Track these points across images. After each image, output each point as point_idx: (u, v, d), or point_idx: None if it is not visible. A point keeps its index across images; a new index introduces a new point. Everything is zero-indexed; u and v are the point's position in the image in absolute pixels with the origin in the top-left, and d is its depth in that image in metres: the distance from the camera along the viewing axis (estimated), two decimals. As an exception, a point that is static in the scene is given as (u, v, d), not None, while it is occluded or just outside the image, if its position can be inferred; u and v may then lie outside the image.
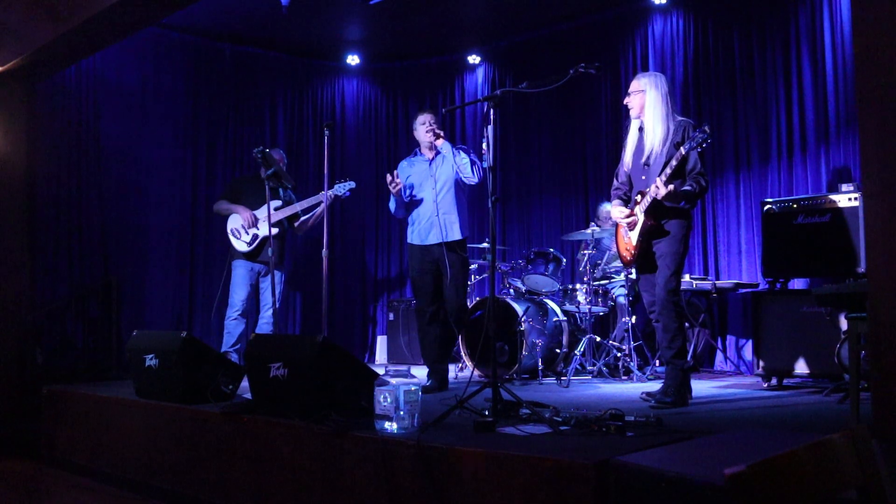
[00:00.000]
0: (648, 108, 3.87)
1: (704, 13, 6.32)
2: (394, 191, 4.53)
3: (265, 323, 5.38)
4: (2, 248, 5.45)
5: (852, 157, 5.39)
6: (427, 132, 4.58)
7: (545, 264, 5.56)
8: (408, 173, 4.67)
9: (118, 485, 3.90)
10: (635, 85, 3.96)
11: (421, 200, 4.61)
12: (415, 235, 4.62)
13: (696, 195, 3.79)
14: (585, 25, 6.99)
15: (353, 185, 5.32)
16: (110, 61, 6.60)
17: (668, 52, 6.49)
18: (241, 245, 5.41)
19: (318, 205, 5.40)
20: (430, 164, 4.62)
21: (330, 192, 5.27)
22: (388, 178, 4.53)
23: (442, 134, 4.62)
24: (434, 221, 4.50)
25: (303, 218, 5.52)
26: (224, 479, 3.32)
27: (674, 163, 3.70)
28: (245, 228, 5.39)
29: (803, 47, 5.75)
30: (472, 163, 4.47)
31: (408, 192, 4.63)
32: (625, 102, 4.01)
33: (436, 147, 4.60)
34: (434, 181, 4.56)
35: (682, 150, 3.68)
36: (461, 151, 4.54)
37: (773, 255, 4.89)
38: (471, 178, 4.48)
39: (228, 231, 5.47)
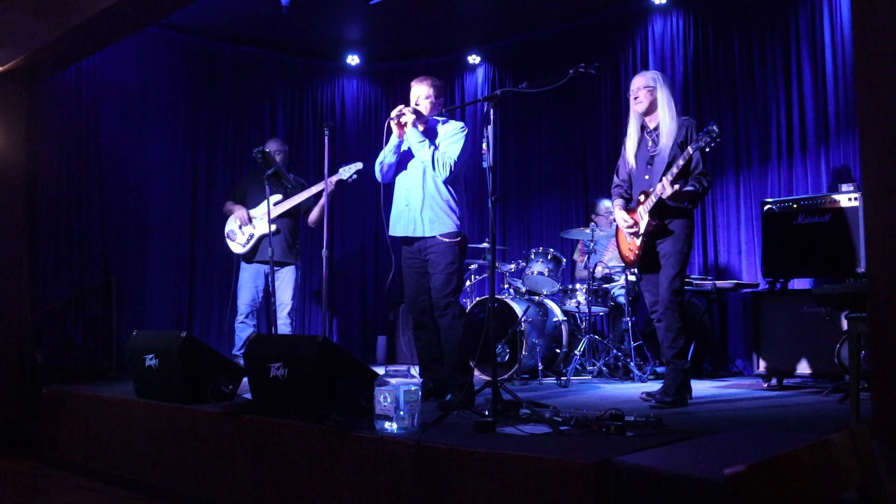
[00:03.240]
0: (660, 107, 3.79)
1: (704, 13, 6.31)
2: (395, 129, 3.76)
3: (283, 325, 5.22)
4: (2, 248, 5.45)
5: (852, 157, 5.39)
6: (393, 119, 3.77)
7: (545, 264, 5.55)
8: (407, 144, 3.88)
9: (118, 485, 3.89)
10: (643, 80, 3.83)
11: (397, 182, 3.92)
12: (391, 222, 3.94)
13: (699, 195, 3.76)
14: (585, 25, 6.98)
15: (360, 166, 4.91)
16: (110, 61, 6.59)
17: (668, 52, 6.49)
18: (236, 247, 5.36)
19: (321, 192, 5.12)
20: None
21: (332, 178, 4.92)
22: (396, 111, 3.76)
23: (405, 123, 3.75)
24: (403, 211, 3.85)
25: (315, 211, 5.32)
26: (224, 479, 3.32)
27: (680, 162, 3.64)
28: (241, 229, 5.33)
29: (803, 47, 5.74)
30: (434, 161, 3.71)
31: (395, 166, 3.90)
32: (635, 96, 3.82)
33: (430, 121, 3.83)
34: (407, 165, 3.86)
35: (690, 150, 3.62)
36: (427, 144, 3.75)
37: (773, 255, 4.88)
38: (436, 176, 3.75)
39: (225, 234, 5.42)
